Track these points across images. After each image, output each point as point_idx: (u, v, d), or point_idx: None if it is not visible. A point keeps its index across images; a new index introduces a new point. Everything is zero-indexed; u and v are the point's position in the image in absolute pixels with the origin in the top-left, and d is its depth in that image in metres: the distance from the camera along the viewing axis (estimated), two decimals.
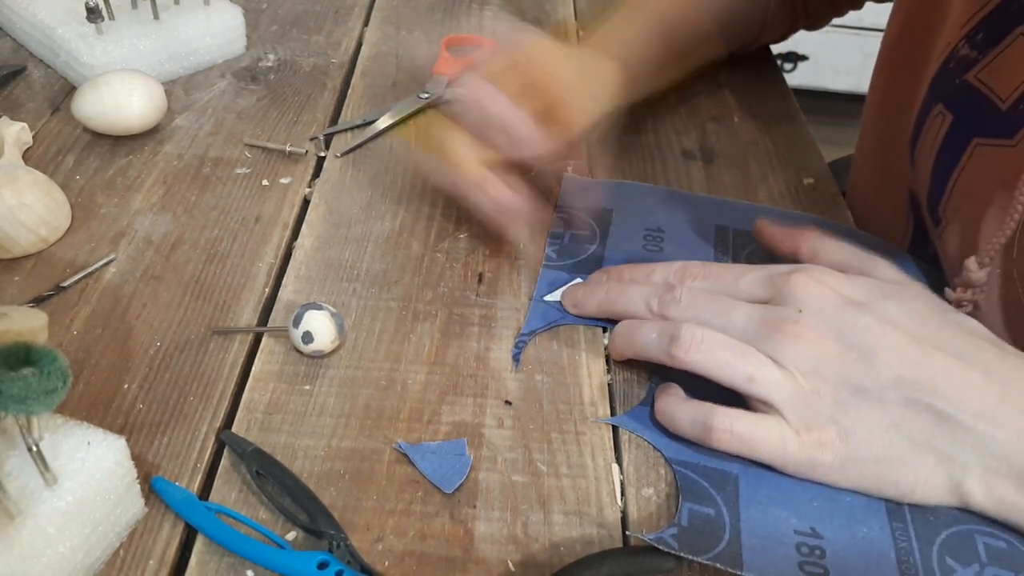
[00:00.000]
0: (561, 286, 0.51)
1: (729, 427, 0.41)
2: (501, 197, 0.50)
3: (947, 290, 0.50)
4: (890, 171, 0.61)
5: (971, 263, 0.48)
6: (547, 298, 0.51)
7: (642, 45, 0.60)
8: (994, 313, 0.49)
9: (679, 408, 0.43)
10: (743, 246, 0.55)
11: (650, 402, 0.45)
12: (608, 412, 0.45)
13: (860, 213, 0.60)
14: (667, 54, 0.63)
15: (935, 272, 0.54)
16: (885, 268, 0.46)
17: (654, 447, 0.43)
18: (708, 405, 0.42)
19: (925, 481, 0.40)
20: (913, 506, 0.41)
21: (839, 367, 0.41)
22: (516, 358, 0.47)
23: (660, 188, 0.60)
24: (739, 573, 0.37)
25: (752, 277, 0.45)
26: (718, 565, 0.38)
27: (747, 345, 0.42)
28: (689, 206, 0.58)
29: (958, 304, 0.49)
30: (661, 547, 0.38)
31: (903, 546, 0.39)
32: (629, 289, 0.48)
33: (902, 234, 0.60)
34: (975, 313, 0.49)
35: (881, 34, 0.63)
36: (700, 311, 0.44)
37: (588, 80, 0.55)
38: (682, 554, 0.38)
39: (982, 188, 0.49)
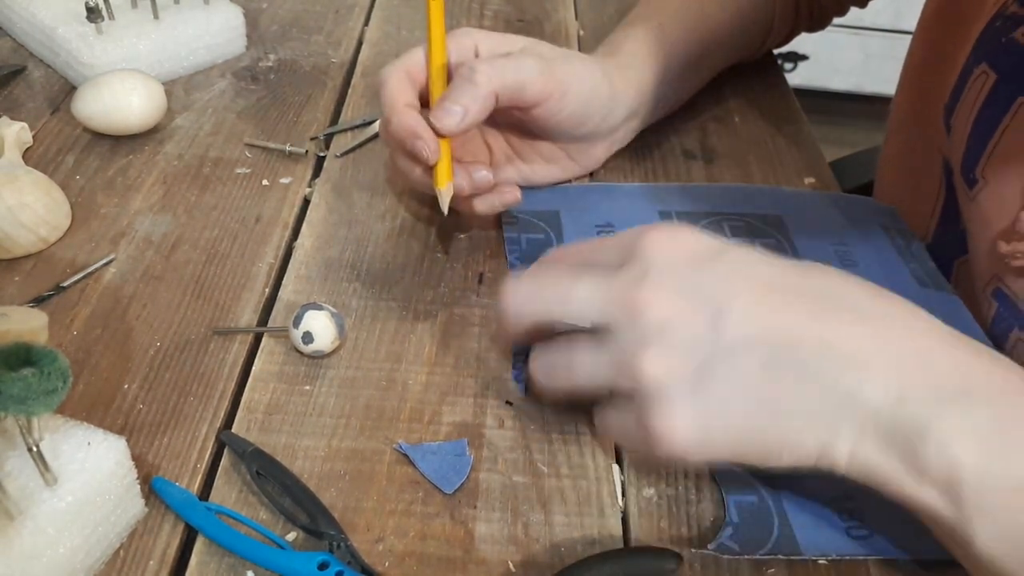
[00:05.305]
0: None
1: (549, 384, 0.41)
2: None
3: (1000, 243, 0.50)
4: (924, 139, 0.61)
5: None
6: None
7: (663, 59, 0.59)
8: None
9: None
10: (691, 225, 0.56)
11: None
12: None
13: (892, 186, 0.60)
14: (685, 68, 0.62)
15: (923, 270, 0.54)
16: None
17: None
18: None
19: (793, 446, 0.36)
20: None
21: (687, 336, 0.36)
22: (518, 379, 0.46)
23: (597, 185, 0.60)
24: (799, 557, 0.38)
25: (608, 244, 0.41)
26: (779, 556, 0.38)
27: (585, 350, 0.39)
28: (630, 197, 0.58)
29: (1011, 256, 0.49)
30: (725, 555, 0.38)
31: None
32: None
33: (934, 202, 0.60)
34: None
35: (882, 33, 0.63)
36: (543, 295, 0.41)
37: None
38: (743, 556, 0.38)
39: None
